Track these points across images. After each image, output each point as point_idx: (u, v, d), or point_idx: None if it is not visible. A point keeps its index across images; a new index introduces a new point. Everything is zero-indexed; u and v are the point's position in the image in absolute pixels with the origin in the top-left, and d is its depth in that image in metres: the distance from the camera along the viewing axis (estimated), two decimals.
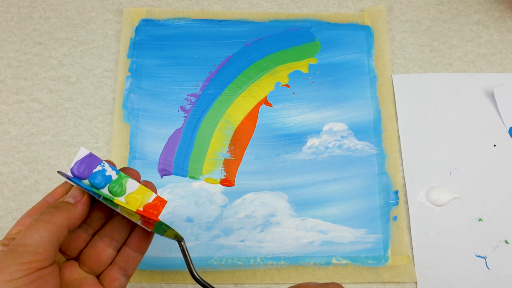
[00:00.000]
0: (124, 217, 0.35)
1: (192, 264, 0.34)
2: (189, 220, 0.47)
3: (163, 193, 0.48)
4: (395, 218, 0.47)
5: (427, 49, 0.55)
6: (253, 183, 0.48)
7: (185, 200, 0.47)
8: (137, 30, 0.54)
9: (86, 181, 0.34)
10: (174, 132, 0.50)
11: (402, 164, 0.50)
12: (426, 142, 0.50)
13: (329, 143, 0.50)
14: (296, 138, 0.50)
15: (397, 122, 0.51)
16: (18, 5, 0.55)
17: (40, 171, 0.48)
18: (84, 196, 0.33)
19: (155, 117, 0.50)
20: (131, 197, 0.35)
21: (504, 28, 0.56)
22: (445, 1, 0.57)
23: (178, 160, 0.49)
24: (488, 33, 0.55)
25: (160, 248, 0.46)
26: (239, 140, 0.50)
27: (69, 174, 0.34)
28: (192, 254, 0.46)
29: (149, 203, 0.35)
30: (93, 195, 0.34)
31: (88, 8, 0.55)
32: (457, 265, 0.46)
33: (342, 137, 0.50)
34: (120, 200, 0.34)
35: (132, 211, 0.34)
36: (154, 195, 0.35)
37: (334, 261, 0.46)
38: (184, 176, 0.48)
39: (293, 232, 0.47)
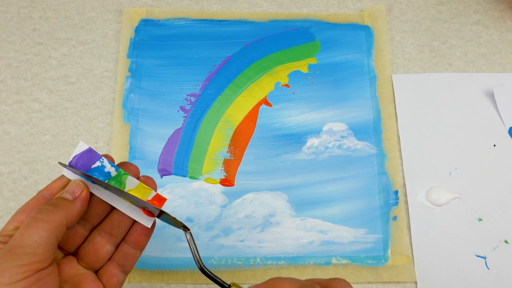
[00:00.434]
0: (123, 213, 0.34)
1: (198, 254, 0.34)
2: (189, 220, 0.47)
3: (163, 193, 0.47)
4: (395, 218, 0.47)
5: (427, 49, 0.55)
6: (253, 183, 0.48)
7: (185, 200, 0.47)
8: (137, 30, 0.54)
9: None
10: (174, 132, 0.50)
11: (402, 164, 0.50)
12: (426, 142, 0.50)
13: (329, 143, 0.50)
14: (296, 138, 0.50)
15: (397, 122, 0.51)
16: (18, 5, 0.55)
17: (40, 171, 0.48)
18: (82, 192, 0.33)
19: (155, 117, 0.50)
20: (130, 192, 0.34)
21: (504, 28, 0.56)
22: (445, 1, 0.57)
23: (178, 160, 0.49)
24: (488, 33, 0.55)
25: (160, 248, 0.46)
26: (239, 140, 0.50)
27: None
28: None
29: (148, 201, 0.34)
30: (95, 183, 0.33)
31: (88, 8, 0.55)
32: (457, 265, 0.46)
33: (342, 137, 0.50)
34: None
35: (140, 199, 0.33)
36: (153, 193, 0.34)
37: (334, 261, 0.46)
38: (184, 176, 0.48)
39: (293, 232, 0.47)
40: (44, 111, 0.51)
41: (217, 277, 0.33)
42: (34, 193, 0.47)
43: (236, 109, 0.51)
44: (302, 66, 0.53)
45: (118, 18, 0.55)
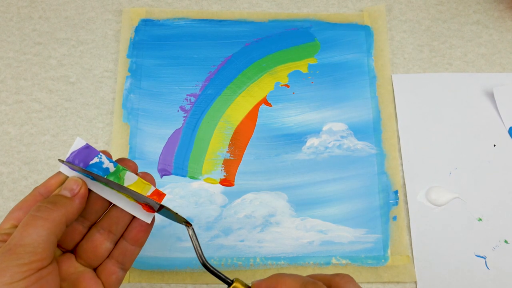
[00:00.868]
0: (121, 209, 0.34)
1: (201, 250, 0.34)
2: (189, 220, 0.47)
3: None
4: (394, 218, 0.47)
5: (427, 49, 0.55)
6: (252, 183, 0.48)
7: (184, 200, 0.47)
8: (137, 30, 0.54)
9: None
10: (173, 132, 0.50)
11: (401, 164, 0.50)
12: (426, 142, 0.50)
13: (329, 143, 0.50)
14: (296, 138, 0.50)
15: (396, 122, 0.51)
16: (18, 5, 0.55)
17: (40, 171, 0.48)
18: (81, 189, 0.32)
19: (154, 117, 0.50)
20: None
21: (504, 28, 0.56)
22: (444, 1, 0.57)
23: (178, 160, 0.49)
24: (488, 33, 0.55)
25: (160, 248, 0.46)
26: (239, 140, 0.50)
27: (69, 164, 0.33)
28: (192, 254, 0.45)
29: (147, 196, 0.34)
30: (95, 179, 0.33)
31: (87, 8, 0.55)
32: (457, 265, 0.46)
33: (342, 137, 0.50)
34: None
35: (141, 194, 0.33)
36: (152, 188, 0.34)
37: (333, 261, 0.46)
38: (184, 176, 0.48)
39: (292, 232, 0.47)
40: (44, 111, 0.51)
41: (220, 272, 0.33)
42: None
43: (236, 109, 0.51)
44: (302, 66, 0.53)
45: (118, 18, 0.55)
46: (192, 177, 0.48)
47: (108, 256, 0.35)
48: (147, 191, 0.34)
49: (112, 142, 0.49)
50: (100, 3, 0.55)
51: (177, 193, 0.48)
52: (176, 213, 0.33)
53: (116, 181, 0.33)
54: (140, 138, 0.49)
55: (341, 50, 0.54)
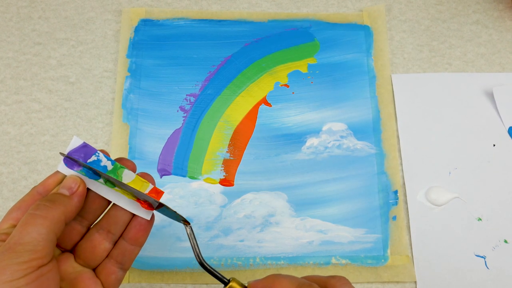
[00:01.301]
0: (120, 208, 0.34)
1: (198, 249, 0.34)
2: (189, 220, 0.47)
3: None
4: (394, 217, 0.47)
5: (426, 49, 0.55)
6: (252, 183, 0.48)
7: (184, 200, 0.47)
8: (136, 30, 0.54)
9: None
10: (173, 132, 0.50)
11: (401, 164, 0.50)
12: (426, 142, 0.50)
13: (329, 143, 0.50)
14: (296, 138, 0.50)
15: (396, 122, 0.51)
16: (17, 5, 0.55)
17: (40, 171, 0.48)
18: (79, 187, 0.32)
19: (154, 117, 0.50)
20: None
21: (503, 27, 0.56)
22: (444, 1, 0.57)
23: (178, 160, 0.49)
24: (487, 33, 0.55)
25: (160, 248, 0.46)
26: (239, 140, 0.50)
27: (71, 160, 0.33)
28: (192, 254, 0.45)
29: (146, 194, 0.34)
30: (95, 174, 0.33)
31: (87, 8, 0.55)
32: (457, 265, 0.46)
33: (342, 137, 0.50)
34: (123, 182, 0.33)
35: (140, 191, 0.33)
36: (151, 186, 0.34)
37: (333, 261, 0.46)
38: (184, 176, 0.48)
39: (292, 232, 0.47)
40: (43, 111, 0.51)
41: (217, 271, 0.33)
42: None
43: (236, 109, 0.51)
44: (302, 66, 0.53)
45: (118, 18, 0.55)
46: (192, 177, 0.48)
47: (107, 256, 0.34)
48: (145, 189, 0.34)
49: (111, 142, 0.49)
50: (100, 3, 0.55)
51: (176, 193, 0.48)
52: (175, 211, 0.33)
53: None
54: (139, 138, 0.49)
55: (341, 50, 0.54)
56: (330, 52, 0.53)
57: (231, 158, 0.49)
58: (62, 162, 0.33)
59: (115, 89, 0.52)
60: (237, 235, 0.47)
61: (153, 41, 0.53)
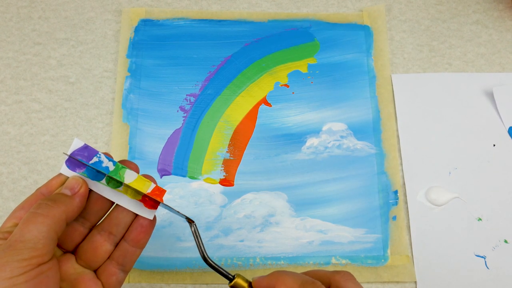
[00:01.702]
0: (123, 209, 0.34)
1: (203, 247, 0.34)
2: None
3: None
4: (394, 217, 0.47)
5: (426, 49, 0.55)
6: (252, 183, 0.48)
7: (184, 200, 0.47)
8: (136, 30, 0.54)
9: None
10: (173, 132, 0.50)
11: (401, 164, 0.50)
12: (426, 142, 0.50)
13: (329, 143, 0.50)
14: (296, 138, 0.50)
15: (396, 122, 0.51)
16: (17, 5, 0.55)
17: (40, 171, 0.48)
18: (81, 188, 0.33)
19: (154, 117, 0.50)
20: (130, 188, 0.34)
21: (503, 27, 0.56)
22: (444, 1, 0.57)
23: (178, 160, 0.49)
24: (487, 33, 0.55)
25: (160, 248, 0.46)
26: (239, 140, 0.50)
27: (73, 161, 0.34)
28: (192, 254, 0.46)
29: (148, 193, 0.34)
30: (94, 179, 0.33)
31: (87, 8, 0.55)
32: (457, 265, 0.46)
33: (342, 137, 0.50)
34: (125, 183, 0.33)
35: (141, 192, 0.33)
36: (153, 185, 0.34)
37: (333, 261, 0.46)
38: (184, 176, 0.48)
39: (292, 232, 0.47)
40: (43, 111, 0.51)
41: (221, 268, 0.34)
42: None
43: (236, 109, 0.51)
44: (302, 66, 0.53)
45: (118, 18, 0.55)
46: (192, 177, 0.48)
47: (108, 258, 0.35)
48: (147, 188, 0.34)
49: (111, 142, 0.49)
50: (100, 3, 0.55)
51: (176, 193, 0.48)
52: (178, 212, 0.33)
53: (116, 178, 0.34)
54: (139, 138, 0.49)
55: (341, 50, 0.54)
56: (330, 52, 0.53)
57: (231, 158, 0.49)
58: (64, 164, 0.34)
59: (115, 89, 0.52)
60: (237, 235, 0.47)
61: (153, 41, 0.53)
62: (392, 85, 0.53)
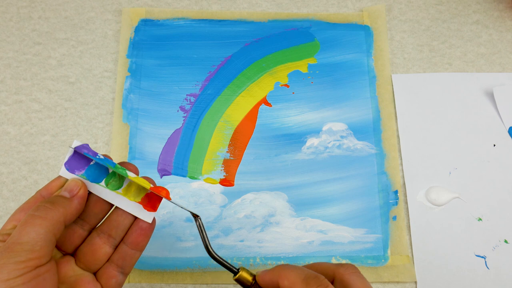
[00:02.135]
0: (122, 212, 0.34)
1: (208, 240, 0.34)
2: (189, 220, 0.47)
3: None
4: (394, 217, 0.47)
5: (427, 49, 0.55)
6: (252, 183, 0.48)
7: (184, 200, 0.47)
8: (137, 30, 0.53)
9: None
10: (173, 132, 0.50)
11: (401, 164, 0.50)
12: (426, 142, 0.50)
13: (329, 143, 0.50)
14: (296, 138, 0.50)
15: (396, 122, 0.51)
16: (17, 5, 0.55)
17: (40, 171, 0.48)
18: (80, 190, 0.33)
19: (154, 117, 0.50)
20: (129, 189, 0.34)
21: (504, 27, 0.56)
22: (444, 1, 0.57)
23: (178, 160, 0.49)
24: (488, 33, 0.55)
25: (160, 248, 0.46)
26: (239, 140, 0.50)
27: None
28: (192, 254, 0.46)
29: (147, 194, 0.34)
30: (93, 181, 0.33)
31: (87, 8, 0.55)
32: (457, 265, 0.46)
33: (342, 137, 0.50)
34: (131, 177, 0.34)
35: (145, 187, 0.34)
36: (152, 186, 0.34)
37: (333, 261, 0.46)
38: (184, 176, 0.48)
39: (292, 232, 0.47)
40: (43, 111, 0.51)
41: (226, 261, 0.34)
42: (34, 193, 0.47)
43: (236, 109, 0.51)
44: (302, 66, 0.53)
45: (118, 18, 0.55)
46: (192, 177, 0.48)
47: (108, 260, 0.35)
48: (147, 187, 0.34)
49: (112, 142, 0.49)
50: (100, 3, 0.55)
51: (177, 193, 0.48)
52: (182, 207, 0.34)
53: (116, 181, 0.34)
54: (140, 138, 0.49)
55: (341, 50, 0.54)
56: (330, 52, 0.53)
57: (231, 158, 0.49)
58: (63, 166, 0.34)
59: (115, 89, 0.52)
60: (237, 235, 0.47)
61: (153, 41, 0.53)
62: (392, 85, 0.53)
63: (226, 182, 0.48)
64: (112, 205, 0.35)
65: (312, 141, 0.50)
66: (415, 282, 0.45)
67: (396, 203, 0.48)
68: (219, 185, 0.48)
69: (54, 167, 0.49)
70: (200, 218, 0.35)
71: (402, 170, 0.49)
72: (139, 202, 0.34)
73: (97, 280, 0.34)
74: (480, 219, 0.47)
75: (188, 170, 0.48)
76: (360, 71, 0.53)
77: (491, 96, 0.52)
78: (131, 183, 0.34)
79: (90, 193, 0.34)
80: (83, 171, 0.34)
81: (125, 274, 0.35)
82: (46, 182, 0.48)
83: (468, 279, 0.45)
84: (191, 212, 0.35)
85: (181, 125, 0.50)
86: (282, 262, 0.46)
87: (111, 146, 0.49)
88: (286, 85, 0.52)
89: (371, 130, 0.50)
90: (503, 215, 0.47)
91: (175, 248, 0.46)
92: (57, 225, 0.30)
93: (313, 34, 0.54)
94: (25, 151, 0.49)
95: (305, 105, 0.51)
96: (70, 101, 0.51)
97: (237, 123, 0.51)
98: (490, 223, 0.47)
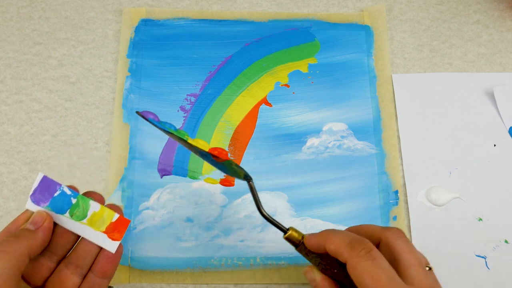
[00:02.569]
0: (88, 242, 0.35)
1: (260, 202, 0.37)
2: (189, 220, 0.47)
3: (162, 193, 0.47)
4: (395, 218, 0.47)
5: (427, 48, 0.55)
6: None
7: (184, 200, 0.47)
8: (137, 30, 0.53)
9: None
10: None
11: (402, 164, 0.50)
12: (426, 142, 0.50)
13: (329, 143, 0.50)
14: (296, 138, 0.50)
15: (397, 122, 0.51)
16: (18, 5, 0.55)
17: (40, 171, 0.48)
18: (45, 222, 0.33)
19: None
20: (94, 219, 0.35)
21: (504, 27, 0.56)
22: (444, 0, 0.57)
23: (178, 160, 0.49)
24: (488, 33, 0.55)
25: (160, 248, 0.46)
26: (239, 140, 0.50)
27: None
28: (192, 254, 0.46)
29: (112, 223, 0.35)
30: (58, 212, 0.34)
31: (87, 8, 0.55)
32: (457, 265, 0.46)
33: (342, 137, 0.50)
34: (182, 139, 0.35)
35: (204, 150, 0.35)
36: (117, 215, 0.36)
37: None
38: (184, 176, 0.48)
39: None
40: (44, 111, 0.51)
41: (276, 221, 0.36)
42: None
43: (236, 109, 0.51)
44: (302, 66, 0.53)
45: (118, 18, 0.55)
46: (192, 177, 0.48)
47: None
48: (111, 217, 0.36)
49: (112, 142, 0.49)
50: (100, 3, 0.55)
51: (177, 193, 0.48)
52: (239, 169, 0.37)
53: (80, 211, 0.35)
54: (140, 138, 0.49)
55: (341, 50, 0.54)
56: (330, 52, 0.53)
57: (232, 158, 0.49)
58: (29, 199, 0.35)
59: (115, 89, 0.52)
60: (237, 235, 0.47)
61: (153, 41, 0.53)
62: (392, 85, 0.53)
63: (227, 182, 0.48)
64: (79, 235, 0.35)
65: (312, 141, 0.50)
66: None
67: (397, 203, 0.48)
68: (219, 185, 0.48)
69: (54, 167, 0.49)
70: (252, 181, 0.37)
71: (403, 170, 0.49)
72: (103, 232, 0.35)
73: None
74: (480, 219, 0.47)
75: (188, 170, 0.48)
76: (360, 71, 0.53)
77: (491, 96, 0.52)
78: (95, 213, 0.35)
79: (56, 224, 0.35)
80: (47, 203, 0.34)
81: None
82: None
83: (468, 279, 0.45)
84: (245, 175, 0.37)
85: (181, 125, 0.50)
86: (283, 262, 0.46)
87: (111, 146, 0.49)
88: (287, 85, 0.52)
89: (371, 130, 0.50)
90: (503, 215, 0.47)
91: (175, 248, 0.46)
92: (21, 258, 0.30)
93: (313, 34, 0.54)
94: (25, 151, 0.49)
95: (305, 105, 0.51)
96: (71, 101, 0.51)
97: (237, 123, 0.50)
98: (490, 223, 0.47)
